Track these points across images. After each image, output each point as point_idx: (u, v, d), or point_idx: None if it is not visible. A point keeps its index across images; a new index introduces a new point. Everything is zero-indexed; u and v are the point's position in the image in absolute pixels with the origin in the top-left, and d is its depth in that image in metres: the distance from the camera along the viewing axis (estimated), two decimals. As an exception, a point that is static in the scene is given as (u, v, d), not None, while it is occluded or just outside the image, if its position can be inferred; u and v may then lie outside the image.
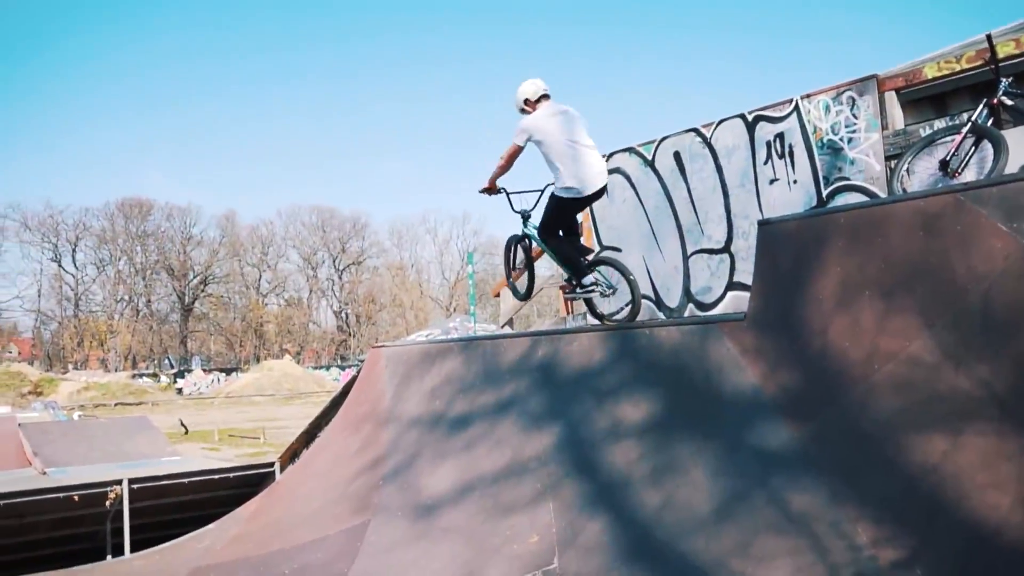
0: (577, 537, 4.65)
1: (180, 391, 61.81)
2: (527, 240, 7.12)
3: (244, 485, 8.26)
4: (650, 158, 9.81)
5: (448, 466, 6.22)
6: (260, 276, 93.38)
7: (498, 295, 12.64)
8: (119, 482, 7.70)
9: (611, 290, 6.66)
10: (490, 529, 5.20)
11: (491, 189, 6.93)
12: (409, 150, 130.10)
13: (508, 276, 7.50)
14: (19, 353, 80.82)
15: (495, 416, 6.39)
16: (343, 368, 69.48)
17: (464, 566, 4.88)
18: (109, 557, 7.80)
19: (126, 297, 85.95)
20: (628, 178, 10.14)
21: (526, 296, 7.64)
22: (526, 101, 6.52)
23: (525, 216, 7.03)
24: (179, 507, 8.36)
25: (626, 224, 10.11)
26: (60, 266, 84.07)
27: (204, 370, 69.43)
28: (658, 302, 9.55)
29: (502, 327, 11.60)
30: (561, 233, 6.79)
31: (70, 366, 77.10)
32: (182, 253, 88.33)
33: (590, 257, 7.04)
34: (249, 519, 7.41)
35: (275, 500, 7.67)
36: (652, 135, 9.85)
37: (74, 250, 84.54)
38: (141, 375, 67.61)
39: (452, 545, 5.24)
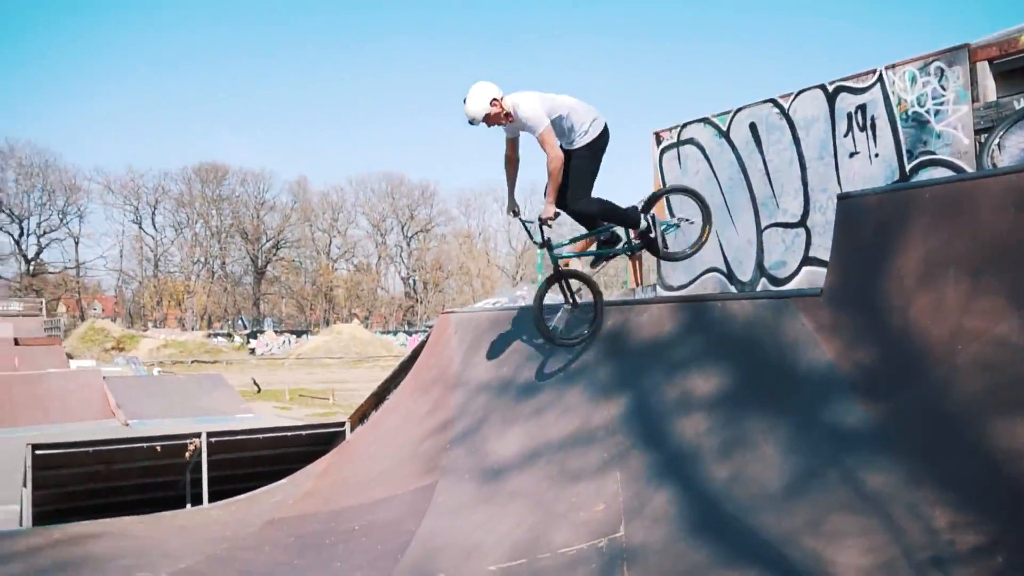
0: (644, 507, 4.66)
1: (253, 351, 63.63)
2: (559, 265, 6.17)
3: (315, 443, 8.49)
4: (725, 129, 9.63)
5: (515, 432, 6.27)
6: (330, 241, 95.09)
7: (567, 264, 12.61)
8: (198, 435, 8.01)
9: (675, 227, 6.48)
10: (556, 495, 5.25)
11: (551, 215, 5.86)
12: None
13: (545, 331, 6.13)
14: (103, 310, 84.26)
15: (563, 384, 6.41)
16: (410, 334, 70.53)
17: (530, 530, 4.94)
18: (188, 506, 8.15)
19: (202, 259, 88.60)
20: (702, 149, 9.98)
21: (596, 327, 6.32)
22: (492, 101, 5.65)
23: (550, 245, 6.07)
24: (253, 462, 8.65)
25: (699, 196, 9.98)
26: (141, 228, 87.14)
27: (276, 332, 71.35)
28: (730, 275, 9.42)
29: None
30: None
31: (150, 324, 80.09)
32: (255, 217, 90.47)
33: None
34: (320, 476, 7.62)
35: (345, 458, 7.87)
36: (726, 106, 9.67)
37: (154, 213, 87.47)
38: (216, 335, 69.85)
39: (518, 509, 5.31)
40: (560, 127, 5.83)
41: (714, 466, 4.64)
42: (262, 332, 70.17)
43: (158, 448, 7.79)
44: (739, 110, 9.44)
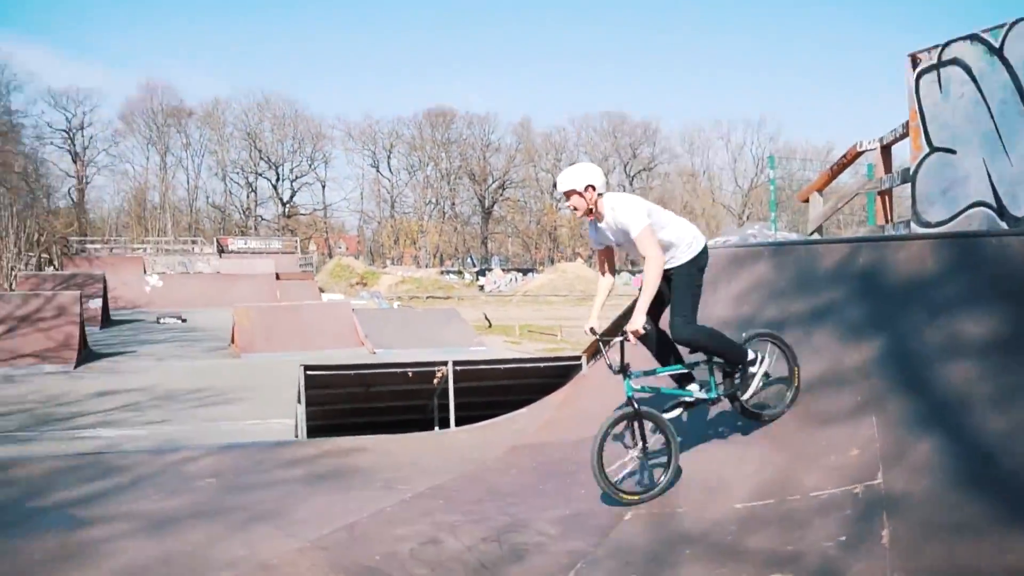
0: (904, 455, 4.39)
1: (482, 288, 66.45)
2: (637, 403, 5.04)
3: (552, 375, 8.78)
4: (998, 46, 8.56)
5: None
6: (554, 181, 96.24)
7: (806, 200, 11.97)
8: (445, 363, 8.54)
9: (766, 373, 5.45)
10: (806, 438, 5.08)
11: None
12: (703, 54, 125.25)
13: (607, 482, 4.90)
14: (347, 248, 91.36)
15: (810, 323, 6.16)
16: (633, 273, 70.46)
17: (779, 471, 4.84)
18: (436, 428, 8.77)
19: (433, 200, 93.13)
20: (968, 70, 8.95)
21: (672, 479, 5.08)
22: (587, 187, 5.05)
23: (629, 372, 5.09)
24: (493, 390, 9.11)
25: (963, 123, 8.99)
26: (378, 171, 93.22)
27: (503, 269, 73.94)
28: (1001, 211, 8.49)
29: (811, 234, 11.03)
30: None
31: (388, 261, 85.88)
32: (482, 159, 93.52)
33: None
34: (559, 406, 7.88)
35: (581, 391, 8.08)
36: (995, 20, 8.56)
37: (389, 156, 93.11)
38: (448, 272, 73.55)
39: (763, 449, 5.20)
40: (660, 241, 5.10)
41: (989, 416, 4.27)
42: (490, 270, 73.00)
43: (410, 374, 8.41)
44: (1016, 23, 8.34)
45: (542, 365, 8.94)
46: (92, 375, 16.33)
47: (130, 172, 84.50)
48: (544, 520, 4.90)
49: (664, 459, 5.11)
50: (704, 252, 5.31)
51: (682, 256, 5.21)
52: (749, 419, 5.41)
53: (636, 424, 5.08)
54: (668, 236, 5.14)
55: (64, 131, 79.97)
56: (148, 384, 14.75)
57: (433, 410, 8.87)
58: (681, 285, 5.19)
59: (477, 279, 69.72)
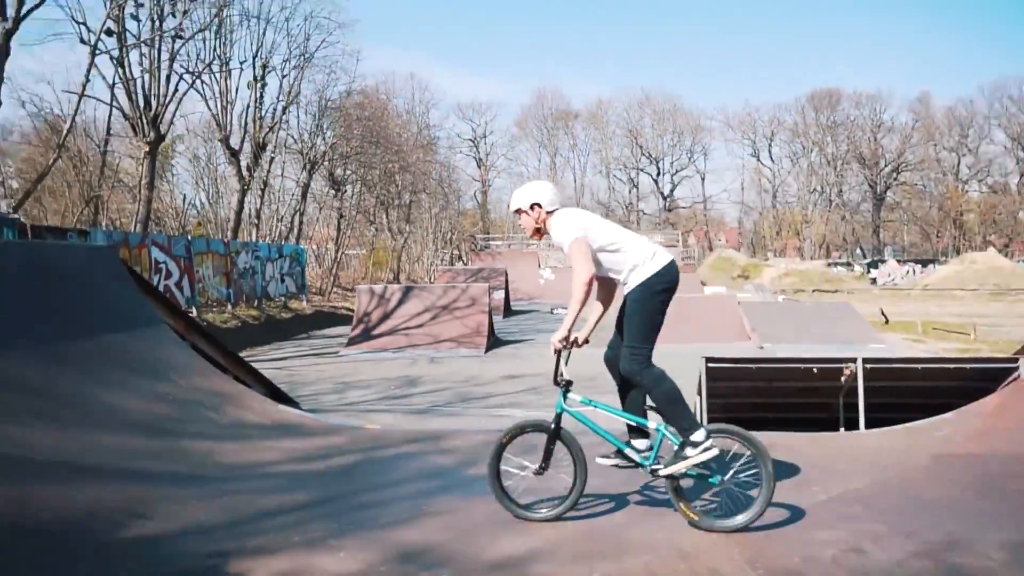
0: None
1: (874, 281, 61.51)
2: (560, 420, 4.82)
3: (980, 379, 7.73)
4: None
5: None
6: (959, 161, 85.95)
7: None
8: (854, 360, 7.99)
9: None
10: None
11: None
12: None
13: (503, 495, 4.91)
14: (726, 241, 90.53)
15: None
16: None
17: None
18: (842, 430, 8.24)
19: (818, 188, 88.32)
20: None
21: (571, 504, 4.88)
22: (533, 206, 5.01)
23: (568, 388, 4.83)
24: (906, 392, 8.31)
25: None
26: (758, 160, 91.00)
27: (898, 261, 67.64)
28: None
29: None
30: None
31: (769, 253, 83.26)
32: (872, 141, 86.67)
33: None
34: (993, 414, 6.96)
35: (1021, 398, 7.06)
36: None
37: (770, 145, 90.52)
38: (835, 264, 69.26)
39: None
40: (604, 260, 4.87)
41: None
42: (883, 261, 67.18)
43: (814, 370, 8.00)
44: None
45: (967, 367, 7.92)
46: (498, 360, 18.03)
47: (524, 174, 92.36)
48: (989, 543, 4.34)
49: (563, 491, 4.90)
50: (662, 272, 4.77)
51: (634, 279, 4.80)
52: (680, 512, 4.66)
53: (549, 444, 4.84)
54: (611, 256, 4.87)
55: (470, 140, 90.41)
56: (546, 370, 15.87)
57: (839, 410, 8.33)
58: (630, 312, 4.81)
59: (868, 271, 64.59)
